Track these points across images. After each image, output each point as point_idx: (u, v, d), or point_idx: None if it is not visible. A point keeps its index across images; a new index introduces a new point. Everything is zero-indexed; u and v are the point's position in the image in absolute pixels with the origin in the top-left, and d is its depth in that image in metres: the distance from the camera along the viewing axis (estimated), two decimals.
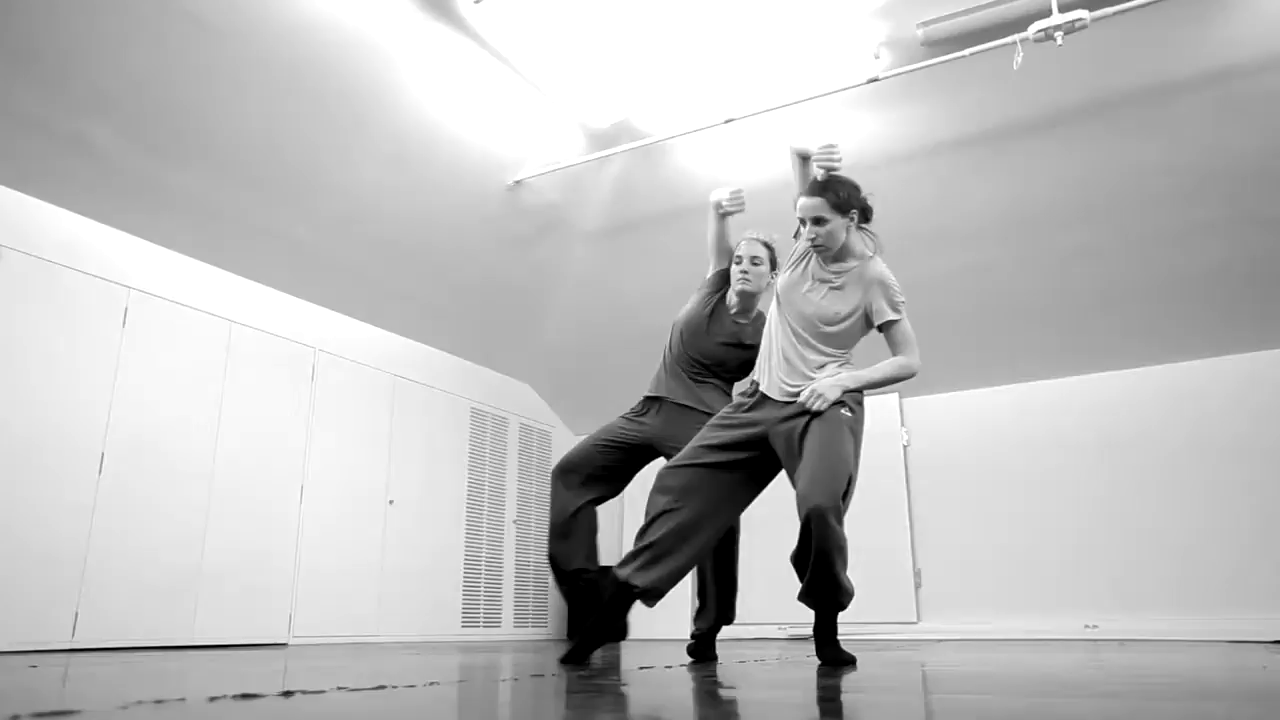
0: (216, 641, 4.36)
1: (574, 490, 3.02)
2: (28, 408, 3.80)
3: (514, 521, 6.51)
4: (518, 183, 5.32)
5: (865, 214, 2.71)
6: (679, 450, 2.89)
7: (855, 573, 6.35)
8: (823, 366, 2.60)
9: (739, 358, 3.04)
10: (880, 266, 2.66)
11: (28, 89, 3.67)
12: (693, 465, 2.55)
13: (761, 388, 2.64)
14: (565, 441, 7.13)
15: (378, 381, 5.61)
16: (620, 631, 2.54)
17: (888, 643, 4.90)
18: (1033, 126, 4.78)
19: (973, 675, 2.07)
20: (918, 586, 5.91)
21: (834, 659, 2.51)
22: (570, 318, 6.45)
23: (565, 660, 2.54)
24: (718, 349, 3.04)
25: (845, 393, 2.52)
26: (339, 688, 1.67)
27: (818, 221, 2.64)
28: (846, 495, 2.45)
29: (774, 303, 2.74)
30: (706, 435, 2.61)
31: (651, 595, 2.49)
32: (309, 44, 4.12)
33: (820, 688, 1.74)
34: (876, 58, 4.48)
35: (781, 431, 2.54)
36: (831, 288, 2.65)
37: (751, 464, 2.60)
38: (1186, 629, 5.01)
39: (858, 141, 5.05)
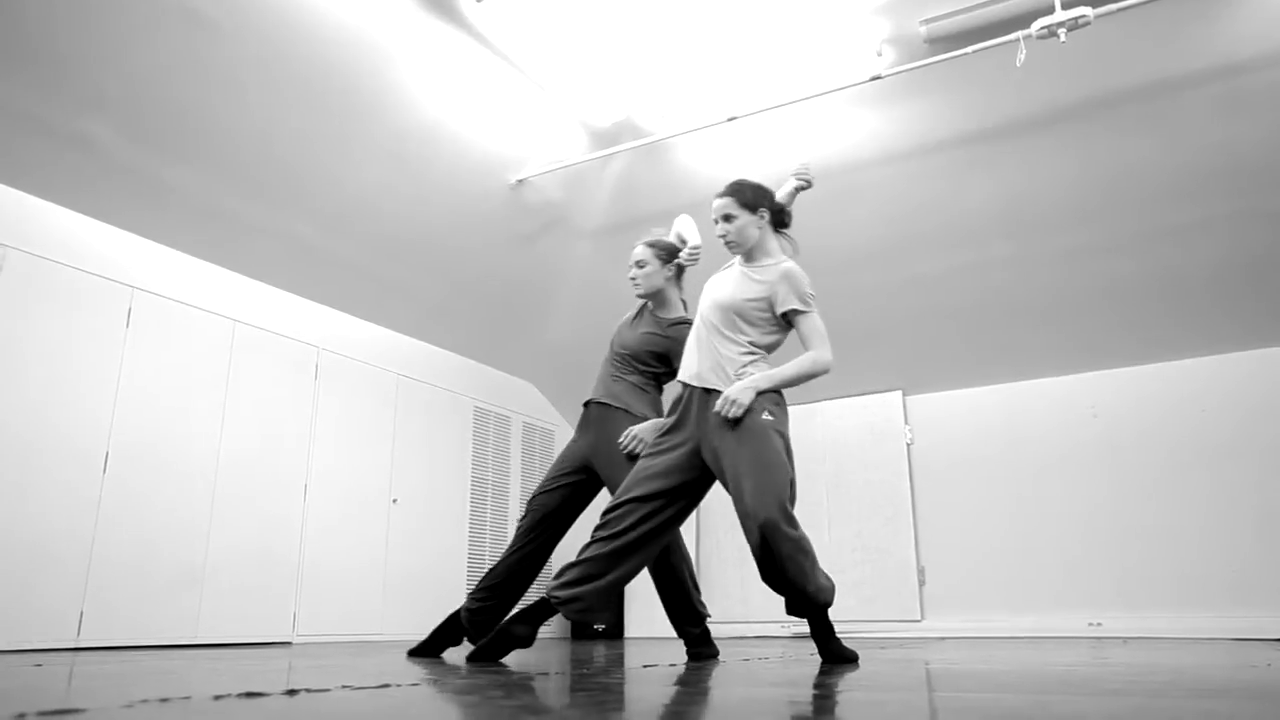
0: (221, 640, 4.37)
1: (519, 533, 3.11)
2: (32, 407, 3.81)
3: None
4: (520, 181, 5.33)
5: (779, 217, 2.84)
6: (606, 460, 2.98)
7: (860, 570, 6.36)
8: (742, 354, 2.64)
9: (650, 345, 3.09)
10: (791, 264, 2.74)
11: (28, 88, 3.68)
12: (636, 499, 2.57)
13: (681, 378, 2.72)
14: (568, 439, 7.14)
15: (381, 380, 5.62)
16: (527, 639, 2.59)
17: (891, 640, 4.90)
18: (1035, 124, 4.77)
19: (976, 673, 2.07)
20: (921, 584, 5.91)
21: (837, 657, 2.51)
22: (573, 316, 6.45)
23: (472, 658, 2.57)
24: (635, 337, 3.13)
25: (760, 394, 2.53)
26: (343, 686, 1.68)
27: (726, 219, 2.77)
28: (791, 498, 2.48)
29: (700, 303, 2.84)
30: (647, 464, 2.64)
31: (571, 608, 2.52)
32: (311, 42, 4.12)
33: (822, 685, 1.74)
34: (879, 55, 4.48)
35: (710, 448, 2.57)
36: (746, 276, 2.74)
37: (691, 485, 2.63)
38: (1190, 626, 5.01)
39: (860, 139, 5.05)
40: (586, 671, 2.24)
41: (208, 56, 3.93)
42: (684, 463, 2.60)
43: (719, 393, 2.57)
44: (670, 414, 2.72)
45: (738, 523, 2.52)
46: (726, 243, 2.76)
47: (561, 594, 2.52)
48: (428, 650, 3.06)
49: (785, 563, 2.40)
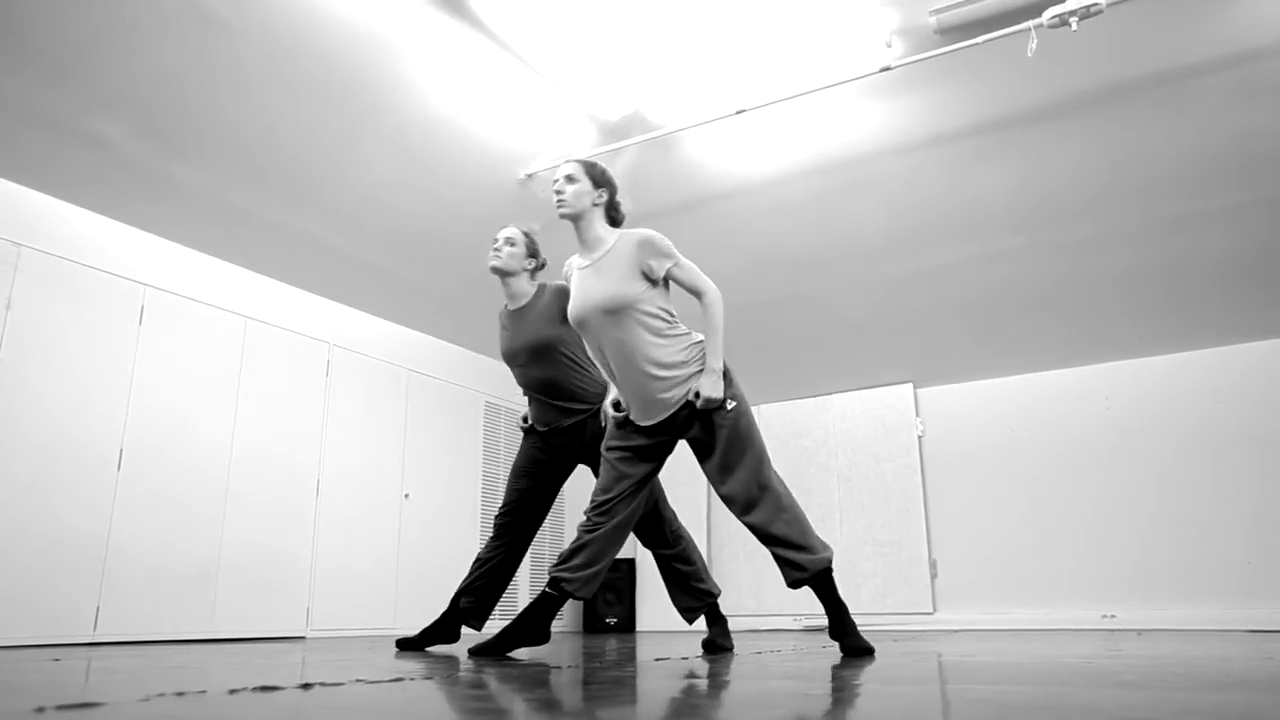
0: (235, 635, 4.40)
1: (501, 528, 3.20)
2: (46, 405, 3.84)
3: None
4: (529, 176, 5.33)
5: (614, 208, 2.80)
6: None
7: (872, 563, 6.37)
8: (674, 347, 2.63)
9: (551, 319, 3.14)
10: (637, 230, 2.70)
11: (40, 86, 3.70)
12: (623, 492, 2.66)
13: (633, 419, 2.71)
14: None
15: (392, 375, 5.64)
16: (545, 637, 2.67)
17: (904, 633, 4.89)
18: (1047, 114, 4.74)
19: (990, 665, 2.06)
20: (934, 577, 5.90)
21: (854, 649, 2.50)
22: None
23: (477, 652, 2.62)
24: (535, 329, 3.17)
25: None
26: (357, 680, 1.69)
27: (569, 179, 2.74)
28: (767, 462, 2.60)
29: (584, 341, 2.77)
30: (617, 458, 2.69)
31: (579, 586, 2.61)
32: (320, 39, 4.13)
33: (836, 678, 1.73)
34: (889, 46, 4.45)
35: (693, 442, 2.66)
36: (605, 268, 2.66)
37: (657, 465, 2.74)
38: (1204, 618, 4.99)
39: (869, 131, 5.02)
40: (599, 665, 2.24)
41: (218, 55, 3.94)
42: (651, 453, 2.69)
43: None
44: (619, 417, 2.74)
45: None
46: (559, 200, 2.72)
47: (576, 575, 2.60)
48: (419, 644, 3.12)
49: (801, 527, 2.54)
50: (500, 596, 3.17)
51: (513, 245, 3.25)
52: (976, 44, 4.17)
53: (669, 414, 2.62)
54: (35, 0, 3.44)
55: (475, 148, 5.03)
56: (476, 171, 5.15)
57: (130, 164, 4.12)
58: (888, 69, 4.42)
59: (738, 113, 4.80)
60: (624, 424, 2.74)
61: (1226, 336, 5.34)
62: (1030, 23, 4.03)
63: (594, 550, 2.62)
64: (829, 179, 5.32)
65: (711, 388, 2.55)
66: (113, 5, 3.59)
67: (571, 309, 2.70)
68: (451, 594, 5.40)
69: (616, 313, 2.58)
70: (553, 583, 2.61)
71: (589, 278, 2.66)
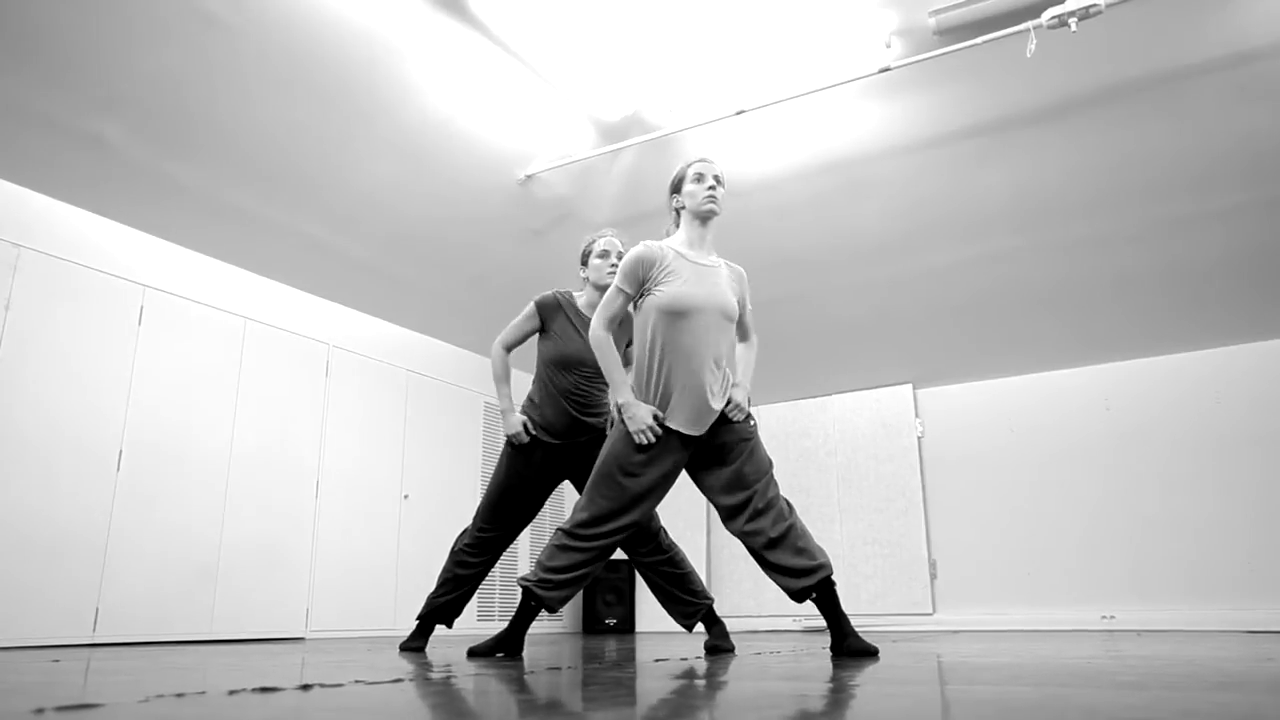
0: (234, 636, 4.40)
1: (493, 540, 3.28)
2: (46, 406, 3.83)
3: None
4: (528, 177, 5.33)
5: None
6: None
7: (871, 564, 6.39)
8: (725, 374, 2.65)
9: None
10: (733, 264, 2.76)
11: (40, 87, 3.70)
12: (630, 523, 2.58)
13: (686, 429, 2.56)
14: None
15: (391, 376, 5.64)
16: (520, 646, 2.71)
17: (903, 634, 4.89)
18: (1046, 115, 4.74)
19: (990, 666, 2.06)
20: (933, 578, 5.90)
21: (858, 650, 2.49)
22: None
23: (473, 653, 2.68)
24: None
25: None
26: (357, 681, 1.68)
27: (719, 180, 2.63)
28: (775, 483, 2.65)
29: (651, 324, 2.56)
30: (632, 486, 2.55)
31: (557, 603, 2.61)
32: (319, 40, 4.13)
33: (835, 679, 1.73)
34: (888, 47, 4.45)
35: (708, 450, 2.62)
36: (722, 275, 2.65)
37: (666, 485, 2.65)
38: (1203, 619, 4.99)
39: (869, 132, 5.03)
40: (599, 665, 2.24)
41: (218, 56, 3.94)
42: (669, 480, 2.62)
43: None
44: (653, 441, 2.55)
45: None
46: (715, 198, 2.61)
47: (557, 594, 2.58)
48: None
49: (801, 533, 2.54)
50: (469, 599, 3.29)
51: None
52: (976, 45, 4.18)
53: (711, 422, 2.60)
54: (35, 0, 3.44)
55: (475, 148, 5.03)
56: (476, 172, 5.15)
57: (130, 165, 4.12)
58: (887, 70, 4.42)
59: (737, 113, 4.81)
60: (659, 442, 2.54)
61: (1226, 337, 5.34)
62: (1029, 23, 4.03)
63: (588, 580, 2.61)
64: (829, 179, 5.32)
65: (744, 399, 2.63)
66: (112, 6, 3.59)
67: (688, 294, 2.52)
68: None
69: (731, 320, 2.62)
70: (538, 600, 2.58)
71: (708, 275, 2.61)
